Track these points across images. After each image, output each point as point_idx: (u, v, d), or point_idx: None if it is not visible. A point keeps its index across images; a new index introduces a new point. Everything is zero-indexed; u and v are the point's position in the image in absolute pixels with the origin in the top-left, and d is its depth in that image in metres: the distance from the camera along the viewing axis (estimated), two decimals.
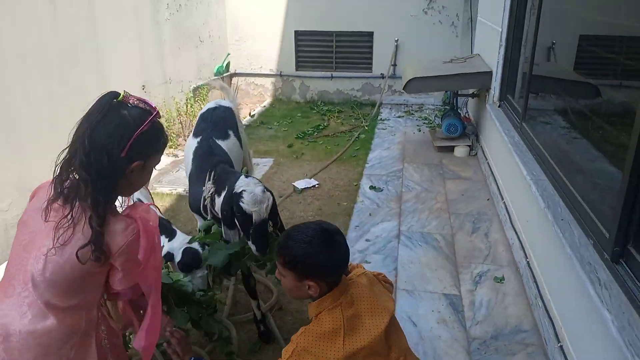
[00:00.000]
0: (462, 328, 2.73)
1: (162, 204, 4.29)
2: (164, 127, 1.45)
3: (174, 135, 5.79)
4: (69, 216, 1.30)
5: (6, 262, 1.42)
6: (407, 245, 3.63)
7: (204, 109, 3.25)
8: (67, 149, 1.33)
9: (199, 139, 2.92)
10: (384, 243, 3.65)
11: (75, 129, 1.33)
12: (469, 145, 5.43)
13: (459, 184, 4.71)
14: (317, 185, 4.68)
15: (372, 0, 7.42)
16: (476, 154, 5.39)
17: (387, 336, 1.54)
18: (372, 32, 7.64)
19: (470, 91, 5.78)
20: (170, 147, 5.67)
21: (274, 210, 2.37)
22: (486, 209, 4.16)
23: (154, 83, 5.67)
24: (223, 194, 2.44)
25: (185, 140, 5.72)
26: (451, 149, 5.52)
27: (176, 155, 5.46)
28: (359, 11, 7.51)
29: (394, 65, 7.65)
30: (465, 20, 7.13)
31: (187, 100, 6.23)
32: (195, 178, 2.73)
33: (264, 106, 7.75)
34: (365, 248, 3.58)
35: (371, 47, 7.74)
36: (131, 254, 1.35)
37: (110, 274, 1.40)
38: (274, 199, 2.37)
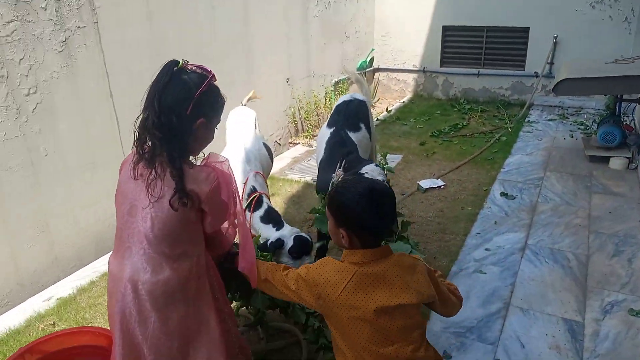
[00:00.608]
0: (577, 358, 2.47)
1: (290, 189, 4.57)
2: (219, 89, 1.61)
3: (311, 127, 6.10)
4: (154, 174, 1.52)
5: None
6: (532, 260, 3.36)
7: (340, 101, 3.42)
8: (141, 114, 1.54)
9: (332, 130, 3.12)
10: (505, 255, 3.43)
11: (145, 96, 1.53)
12: (627, 157, 4.78)
13: (608, 200, 4.18)
14: (443, 186, 4.55)
15: None
16: (636, 167, 4.71)
17: (391, 318, 1.54)
18: (528, 28, 7.09)
19: (638, 96, 5.06)
20: (306, 137, 6.00)
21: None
22: (636, 232, 3.64)
23: (298, 77, 6.03)
24: None
25: None
26: (606, 160, 4.91)
27: (310, 145, 5.76)
28: (514, 6, 7.02)
29: (551, 63, 7.02)
30: None
31: (326, 93, 6.49)
32: (325, 164, 2.96)
33: (403, 102, 7.71)
34: (483, 257, 3.40)
35: (526, 43, 7.19)
36: (216, 198, 1.54)
37: (203, 220, 1.61)
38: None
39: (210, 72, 1.57)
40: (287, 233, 2.67)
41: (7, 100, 2.97)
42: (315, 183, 4.70)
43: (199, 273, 1.61)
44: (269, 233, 2.70)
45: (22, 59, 3.02)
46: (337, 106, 3.33)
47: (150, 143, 1.53)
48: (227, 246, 1.79)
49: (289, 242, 2.63)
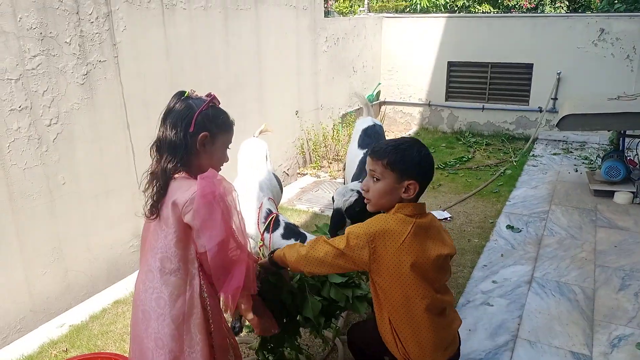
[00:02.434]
0: None
1: (298, 219, 4.63)
2: (225, 111, 1.72)
3: (319, 158, 6.20)
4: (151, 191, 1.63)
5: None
6: (538, 293, 3.38)
7: (365, 125, 3.66)
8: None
9: (365, 151, 3.34)
10: (512, 287, 3.46)
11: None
12: (632, 192, 4.83)
13: (614, 234, 4.22)
14: (449, 219, 4.61)
15: (534, 32, 7.08)
16: None
17: (439, 268, 1.77)
18: (532, 64, 7.26)
19: None
20: (314, 168, 6.09)
21: (356, 212, 2.61)
22: None
23: (306, 109, 6.17)
24: None
25: (329, 164, 6.10)
26: (611, 194, 4.97)
27: (318, 176, 5.85)
28: (518, 42, 7.21)
29: (555, 99, 7.16)
30: None
31: (334, 125, 6.63)
32: (357, 179, 3.14)
33: (409, 134, 7.84)
34: (490, 290, 3.43)
35: (529, 79, 7.35)
36: (199, 209, 1.52)
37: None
38: (362, 204, 2.58)
39: (212, 95, 1.71)
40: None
41: (30, 130, 3.08)
42: (322, 213, 4.78)
43: (191, 293, 1.62)
44: None
45: (45, 90, 3.15)
46: (365, 129, 3.58)
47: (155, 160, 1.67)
48: (237, 274, 1.62)
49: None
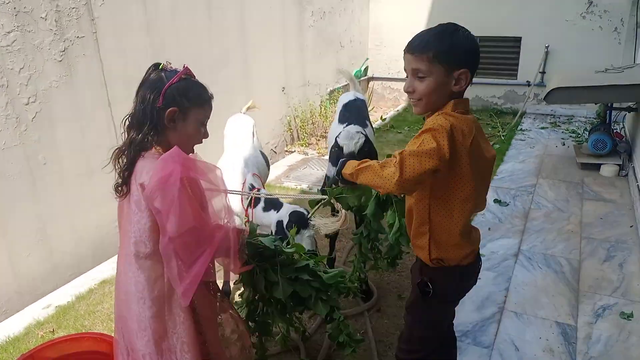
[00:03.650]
0: None
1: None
2: (201, 85, 1.63)
3: (306, 135, 6.15)
4: (116, 164, 1.59)
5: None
6: (525, 266, 3.41)
7: (346, 99, 3.54)
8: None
9: (344, 125, 3.23)
10: (499, 260, 3.48)
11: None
12: (618, 165, 4.86)
13: (600, 207, 4.26)
14: None
15: (523, 4, 7.00)
16: (626, 174, 4.80)
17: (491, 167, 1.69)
18: (520, 38, 7.22)
19: (627, 105, 5.15)
20: (302, 146, 6.05)
21: (366, 154, 2.66)
22: (627, 237, 3.71)
23: (293, 86, 6.09)
24: None
25: (317, 141, 6.05)
26: (597, 167, 5.00)
27: (306, 154, 5.81)
28: (506, 16, 7.14)
29: (543, 72, 7.13)
30: (631, 26, 6.35)
31: (321, 102, 6.56)
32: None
33: (397, 110, 7.80)
34: None
35: (518, 53, 7.31)
36: (161, 189, 1.42)
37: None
38: (369, 144, 2.74)
39: (186, 67, 1.62)
40: (284, 212, 2.68)
41: (7, 109, 3.00)
42: (310, 190, 4.76)
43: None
44: (270, 219, 2.73)
45: (22, 68, 3.05)
46: (345, 104, 3.47)
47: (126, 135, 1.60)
48: (199, 262, 1.52)
49: (285, 219, 2.65)
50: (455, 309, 1.95)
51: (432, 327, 1.87)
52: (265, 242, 1.93)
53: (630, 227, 3.86)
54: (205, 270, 1.52)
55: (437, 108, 1.59)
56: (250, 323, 2.14)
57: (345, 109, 3.42)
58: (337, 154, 2.73)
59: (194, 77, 1.65)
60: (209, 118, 1.67)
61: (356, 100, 3.50)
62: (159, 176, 1.43)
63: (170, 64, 1.63)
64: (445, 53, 1.52)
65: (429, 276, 1.75)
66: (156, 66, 1.61)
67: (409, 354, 1.91)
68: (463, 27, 1.58)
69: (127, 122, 1.60)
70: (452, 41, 1.53)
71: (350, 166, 1.72)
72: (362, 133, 2.78)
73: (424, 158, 1.45)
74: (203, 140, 1.68)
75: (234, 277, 2.29)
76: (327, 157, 5.59)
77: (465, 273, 1.76)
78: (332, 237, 3.16)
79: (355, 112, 3.35)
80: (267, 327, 2.17)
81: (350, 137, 2.71)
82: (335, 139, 2.83)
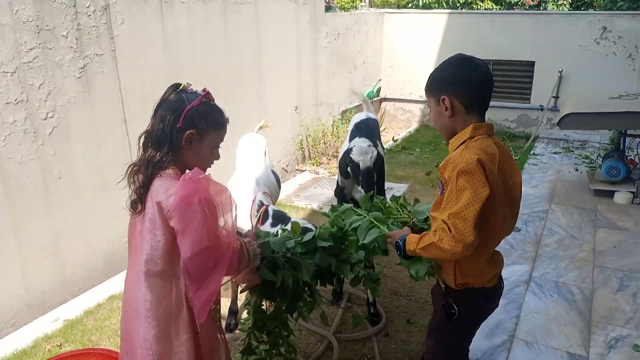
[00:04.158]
0: None
1: (296, 216, 4.60)
2: (219, 109, 1.66)
3: (318, 154, 6.17)
4: (131, 181, 1.59)
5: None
6: (536, 293, 3.36)
7: (357, 119, 3.61)
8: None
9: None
10: (510, 287, 3.44)
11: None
12: (632, 192, 4.81)
13: (613, 235, 4.20)
14: None
15: (536, 29, 7.04)
16: None
17: (519, 190, 1.71)
18: (534, 62, 7.23)
19: None
20: (313, 165, 6.07)
21: (379, 166, 2.77)
22: None
23: (306, 105, 6.14)
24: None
25: (329, 160, 6.08)
26: (611, 194, 4.94)
27: (317, 173, 5.82)
28: (520, 40, 7.17)
29: (556, 97, 7.12)
30: None
31: (333, 122, 6.60)
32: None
33: (409, 131, 7.81)
34: None
35: (531, 77, 7.32)
36: (181, 213, 1.46)
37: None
38: (380, 156, 2.85)
39: (206, 90, 1.65)
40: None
41: (26, 124, 3.06)
42: (320, 210, 4.76)
43: (178, 294, 1.59)
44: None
45: (42, 84, 3.12)
46: (357, 124, 3.54)
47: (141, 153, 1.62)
48: (214, 281, 1.55)
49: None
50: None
51: (456, 351, 1.88)
52: (272, 241, 1.97)
53: None
54: (199, 303, 1.54)
55: (452, 132, 1.68)
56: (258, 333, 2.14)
57: (356, 128, 3.49)
58: (353, 171, 2.81)
59: (213, 100, 1.67)
60: (223, 141, 1.70)
61: (368, 119, 3.58)
62: (178, 196, 1.45)
63: (190, 85, 1.65)
64: (429, 87, 1.72)
65: (454, 298, 1.75)
66: (176, 87, 1.63)
67: None
68: (456, 57, 1.69)
69: (142, 140, 1.62)
70: (434, 75, 1.71)
71: (412, 243, 1.69)
72: (372, 146, 2.88)
73: (467, 211, 1.50)
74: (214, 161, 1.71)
75: (241, 297, 2.28)
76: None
77: (489, 294, 1.77)
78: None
79: (365, 131, 3.40)
80: (278, 336, 2.16)
81: (364, 152, 2.78)
82: (348, 155, 2.87)
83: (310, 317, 3.02)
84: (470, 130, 1.62)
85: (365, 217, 2.05)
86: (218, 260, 1.52)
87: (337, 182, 3.20)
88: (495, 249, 1.78)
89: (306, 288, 2.06)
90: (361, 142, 2.90)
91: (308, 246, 2.01)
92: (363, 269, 2.07)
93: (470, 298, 1.73)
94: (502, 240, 4.01)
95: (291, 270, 1.94)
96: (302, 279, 1.93)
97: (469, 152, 1.56)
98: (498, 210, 1.59)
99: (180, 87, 1.63)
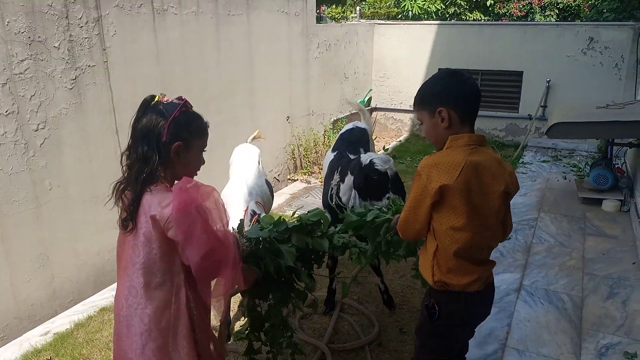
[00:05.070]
0: None
1: None
2: (198, 115, 1.66)
3: (309, 164, 6.20)
4: (118, 199, 1.59)
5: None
6: (527, 301, 3.39)
7: (344, 129, 3.69)
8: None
9: (335, 153, 3.44)
10: (501, 295, 3.46)
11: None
12: (620, 200, 4.87)
13: (602, 242, 4.25)
14: None
15: (524, 40, 7.15)
16: (628, 210, 4.80)
17: (498, 202, 1.72)
18: (522, 72, 7.33)
19: (628, 140, 5.20)
20: (304, 174, 6.09)
21: (395, 174, 2.79)
22: (629, 274, 3.69)
23: (298, 115, 6.17)
24: (346, 179, 2.95)
25: (320, 169, 6.10)
26: (599, 202, 5.00)
27: (309, 182, 5.84)
28: (508, 51, 7.28)
29: (544, 106, 7.22)
30: (631, 62, 6.47)
31: (325, 131, 6.63)
32: (327, 180, 3.26)
33: (400, 141, 7.86)
34: None
35: (519, 87, 7.42)
36: (180, 224, 1.48)
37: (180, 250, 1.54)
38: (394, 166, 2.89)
39: (183, 99, 1.64)
40: None
41: (17, 135, 3.05)
42: None
43: (178, 305, 1.60)
44: None
45: (33, 95, 3.12)
46: (341, 134, 3.62)
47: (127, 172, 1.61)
48: (224, 278, 1.63)
49: None
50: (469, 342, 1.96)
51: (438, 352, 1.91)
52: (250, 235, 2.00)
53: (633, 263, 3.84)
54: (208, 297, 1.59)
55: (443, 144, 1.75)
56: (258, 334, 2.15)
57: (340, 138, 3.57)
58: (380, 181, 2.76)
59: (191, 107, 1.67)
60: (206, 145, 1.71)
61: (353, 129, 3.64)
62: (174, 206, 1.47)
63: (165, 95, 1.64)
64: (421, 101, 1.79)
65: (436, 299, 1.82)
66: (151, 99, 1.61)
67: None
68: (444, 71, 1.78)
69: (125, 157, 1.61)
70: (424, 90, 1.79)
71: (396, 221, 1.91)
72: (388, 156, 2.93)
73: (410, 204, 1.74)
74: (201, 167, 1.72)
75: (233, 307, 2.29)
76: None
77: (470, 299, 1.78)
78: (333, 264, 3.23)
79: (347, 141, 3.49)
80: (277, 334, 2.16)
81: (387, 160, 2.80)
82: (371, 167, 2.80)
83: (304, 327, 3.03)
84: (449, 142, 1.72)
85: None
86: (223, 258, 1.56)
87: (336, 200, 3.07)
88: (485, 258, 1.82)
89: (294, 275, 2.08)
90: (373, 155, 2.89)
91: (281, 230, 2.06)
92: (348, 240, 2.22)
93: (450, 300, 1.79)
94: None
95: (274, 258, 1.97)
96: (285, 264, 1.95)
97: (425, 159, 1.72)
98: (459, 215, 1.68)
99: (156, 99, 1.62)
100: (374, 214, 2.22)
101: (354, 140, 3.53)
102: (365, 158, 2.85)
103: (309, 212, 2.21)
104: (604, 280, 3.63)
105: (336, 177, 3.07)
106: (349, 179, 2.96)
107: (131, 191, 1.58)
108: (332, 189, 3.08)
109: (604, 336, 2.99)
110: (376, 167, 2.79)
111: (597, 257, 3.97)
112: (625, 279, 3.64)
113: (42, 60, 3.14)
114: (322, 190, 5.44)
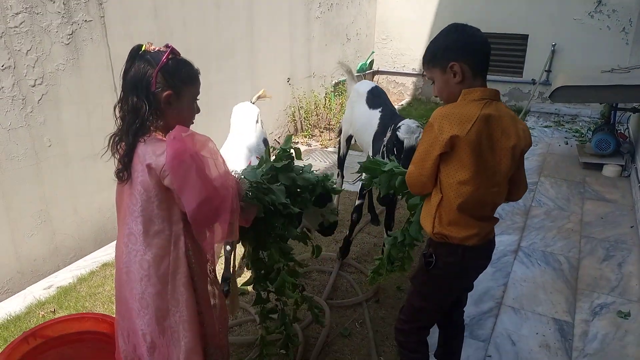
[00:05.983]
0: (566, 357, 2.54)
1: None
2: (187, 62, 1.62)
3: (310, 126, 6.15)
4: (114, 151, 1.60)
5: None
6: (524, 262, 3.43)
7: (369, 86, 3.63)
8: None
9: (380, 109, 3.36)
10: (499, 256, 3.50)
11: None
12: (621, 165, 4.87)
13: (600, 206, 4.27)
14: None
15: (530, 2, 6.97)
16: (629, 175, 4.80)
17: (507, 158, 1.71)
18: (527, 35, 7.19)
19: (632, 105, 5.15)
20: (305, 137, 6.06)
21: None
22: (626, 238, 3.72)
23: (299, 77, 6.09)
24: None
25: (321, 132, 6.06)
26: (599, 167, 5.00)
27: (309, 145, 5.81)
28: (514, 13, 7.11)
29: (548, 71, 7.11)
30: (639, 26, 6.33)
31: (326, 94, 6.55)
32: (380, 135, 3.17)
33: (402, 105, 7.78)
34: None
35: (524, 50, 7.29)
36: (175, 171, 1.47)
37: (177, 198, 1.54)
38: None
39: (170, 46, 1.61)
40: None
41: (14, 91, 3.01)
42: None
43: (177, 253, 1.61)
44: None
45: (29, 50, 3.06)
46: (371, 90, 3.54)
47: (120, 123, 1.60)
48: (220, 226, 1.59)
49: None
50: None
51: (430, 299, 1.95)
52: (247, 176, 1.97)
53: (631, 227, 3.87)
54: (210, 248, 1.63)
55: (455, 100, 1.73)
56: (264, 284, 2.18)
57: (372, 95, 3.51)
58: (396, 147, 2.77)
59: (179, 54, 1.63)
60: (199, 93, 1.68)
61: (377, 86, 3.64)
62: (169, 154, 1.45)
63: (152, 44, 1.60)
64: (432, 57, 1.76)
65: (434, 249, 1.84)
66: (138, 49, 1.58)
67: (405, 323, 2.00)
68: (452, 25, 1.75)
69: (118, 109, 1.59)
70: (434, 46, 1.75)
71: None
72: (420, 127, 2.82)
73: (419, 154, 1.73)
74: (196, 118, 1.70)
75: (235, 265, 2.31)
76: (331, 148, 5.61)
77: (468, 252, 1.80)
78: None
79: (381, 97, 3.47)
80: (282, 283, 2.17)
81: (411, 131, 2.75)
82: (395, 132, 2.80)
83: (304, 284, 3.07)
84: (462, 94, 1.70)
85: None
86: (220, 206, 1.55)
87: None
88: (488, 214, 1.83)
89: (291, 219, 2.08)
90: (410, 121, 2.84)
91: (267, 169, 2.05)
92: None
93: (447, 252, 1.81)
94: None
95: (267, 197, 1.96)
96: (278, 201, 1.95)
97: (437, 111, 1.69)
98: (466, 168, 1.66)
99: (142, 49, 1.58)
100: (393, 165, 2.21)
101: (382, 96, 3.51)
102: (402, 122, 2.83)
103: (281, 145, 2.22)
104: (601, 243, 3.67)
105: (389, 134, 2.97)
106: (391, 130, 2.97)
107: (124, 142, 1.57)
108: (384, 146, 2.99)
109: (598, 296, 3.04)
110: (398, 132, 2.77)
111: (595, 221, 4.00)
112: (622, 242, 3.67)
113: (37, 13, 3.07)
114: (322, 154, 5.43)
